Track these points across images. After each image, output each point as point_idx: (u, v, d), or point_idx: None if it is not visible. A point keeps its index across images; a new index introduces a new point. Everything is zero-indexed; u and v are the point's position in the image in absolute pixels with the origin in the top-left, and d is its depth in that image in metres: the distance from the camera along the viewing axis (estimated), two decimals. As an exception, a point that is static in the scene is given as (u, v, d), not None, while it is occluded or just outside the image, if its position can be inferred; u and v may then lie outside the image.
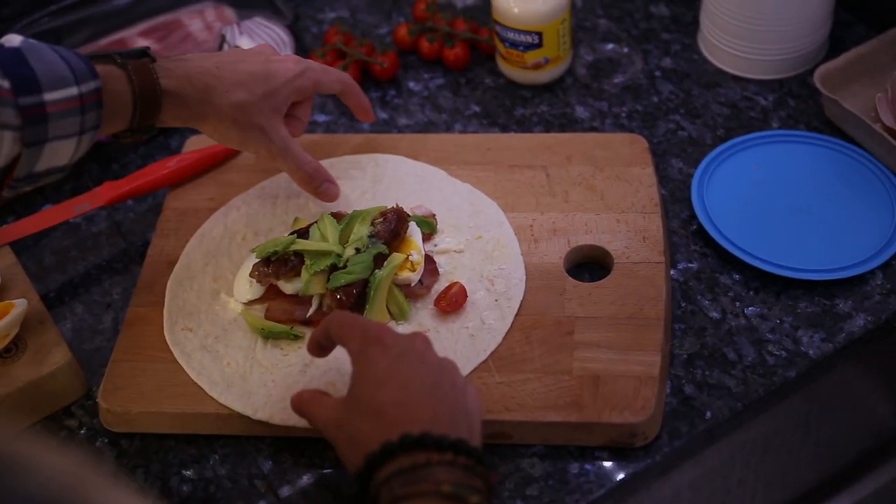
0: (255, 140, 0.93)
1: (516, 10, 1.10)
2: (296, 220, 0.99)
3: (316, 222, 0.94)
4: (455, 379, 0.75)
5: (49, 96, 0.77)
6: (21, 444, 0.42)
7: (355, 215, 0.95)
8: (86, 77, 0.80)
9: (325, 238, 0.92)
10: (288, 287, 0.92)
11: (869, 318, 0.92)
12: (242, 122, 0.91)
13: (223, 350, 0.91)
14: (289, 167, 0.96)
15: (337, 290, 0.89)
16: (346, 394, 0.76)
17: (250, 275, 0.92)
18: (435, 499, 0.65)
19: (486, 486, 0.68)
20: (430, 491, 0.65)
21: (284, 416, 0.85)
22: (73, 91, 0.78)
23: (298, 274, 0.91)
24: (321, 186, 0.97)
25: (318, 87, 0.96)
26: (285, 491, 0.85)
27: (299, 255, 0.91)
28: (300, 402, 0.81)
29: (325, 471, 0.86)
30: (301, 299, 0.92)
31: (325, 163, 1.03)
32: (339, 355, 0.89)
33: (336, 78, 0.98)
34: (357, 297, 0.89)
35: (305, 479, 0.86)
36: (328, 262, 0.90)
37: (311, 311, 0.91)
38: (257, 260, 0.92)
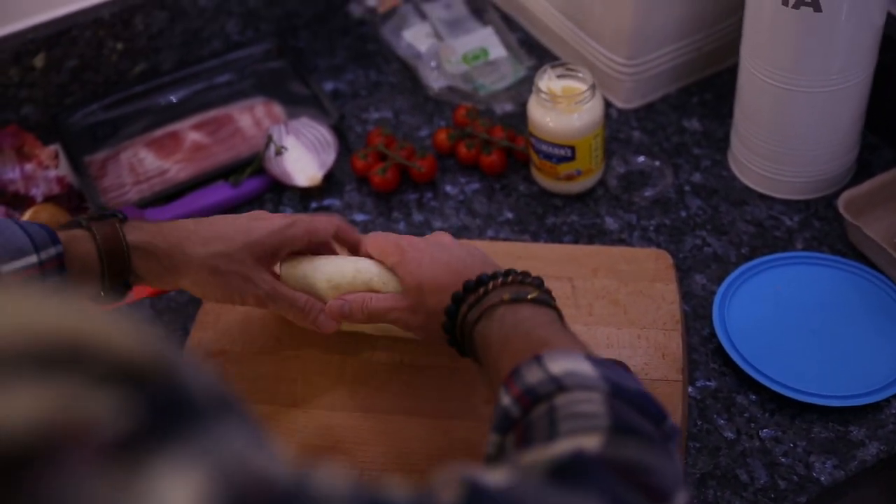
0: (239, 288, 0.92)
1: (551, 125, 1.14)
2: None
3: None
4: (475, 250, 0.90)
5: (7, 267, 0.81)
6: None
7: None
8: (46, 244, 0.83)
9: None
10: None
11: (882, 447, 0.93)
12: (222, 271, 0.90)
13: None
14: (281, 308, 0.94)
15: None
16: (402, 292, 0.89)
17: None
18: (502, 307, 0.80)
19: (537, 286, 0.83)
20: (496, 303, 0.80)
21: None
22: (32, 259, 0.82)
23: None
24: (317, 319, 0.95)
25: (311, 234, 0.95)
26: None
27: None
28: (363, 307, 0.91)
29: None
30: None
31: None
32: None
33: (326, 223, 0.97)
34: None
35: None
36: None
37: None
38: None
